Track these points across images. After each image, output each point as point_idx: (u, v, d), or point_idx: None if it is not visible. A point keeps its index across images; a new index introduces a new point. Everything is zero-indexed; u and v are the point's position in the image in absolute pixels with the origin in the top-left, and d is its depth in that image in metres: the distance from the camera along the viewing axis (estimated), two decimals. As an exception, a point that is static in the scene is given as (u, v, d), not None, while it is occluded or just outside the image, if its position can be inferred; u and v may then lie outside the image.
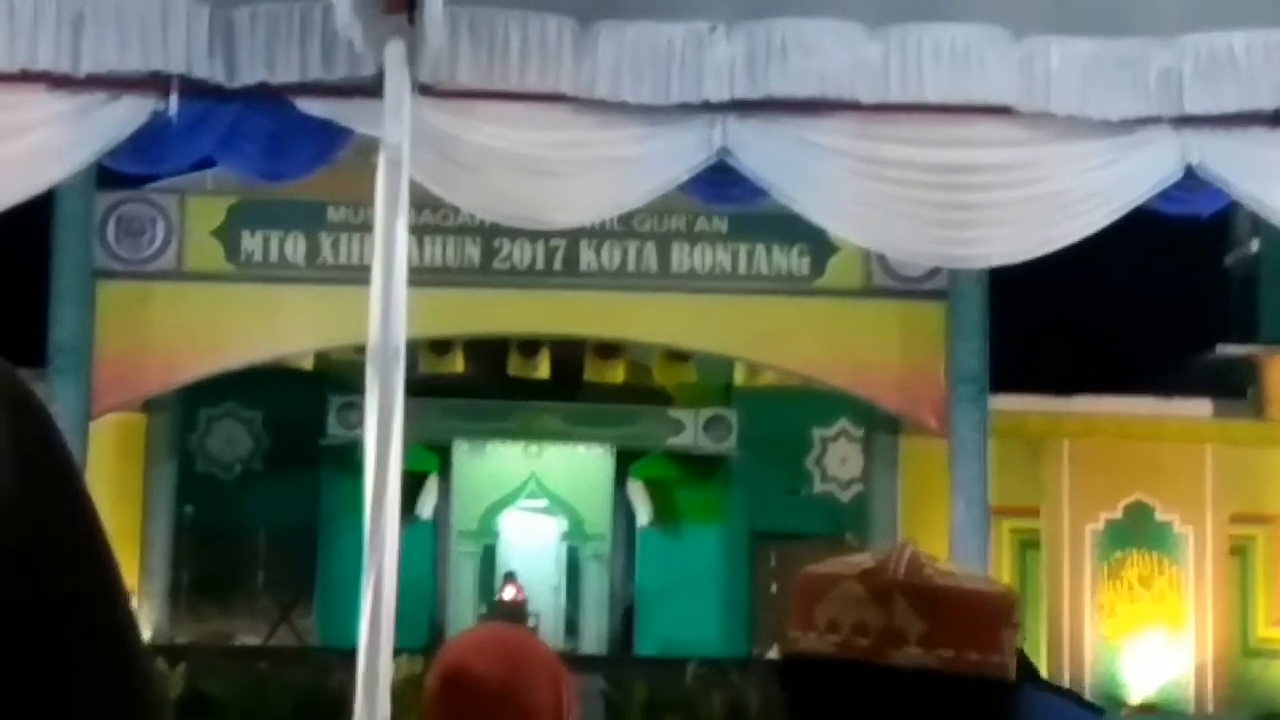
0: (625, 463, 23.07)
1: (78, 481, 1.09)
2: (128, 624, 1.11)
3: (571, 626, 22.84)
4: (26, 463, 1.04)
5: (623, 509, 23.22)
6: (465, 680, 2.62)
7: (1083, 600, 22.70)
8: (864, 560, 1.52)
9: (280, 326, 19.66)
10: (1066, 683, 22.40)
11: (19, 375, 1.08)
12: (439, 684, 2.64)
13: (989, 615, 1.49)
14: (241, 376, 20.50)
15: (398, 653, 5.66)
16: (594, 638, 22.43)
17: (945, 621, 1.45)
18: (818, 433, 22.40)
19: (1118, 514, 22.71)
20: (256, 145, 11.59)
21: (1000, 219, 10.86)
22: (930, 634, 1.45)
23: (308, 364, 21.71)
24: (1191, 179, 11.11)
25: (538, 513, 23.17)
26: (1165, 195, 11.09)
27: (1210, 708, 22.43)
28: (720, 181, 11.39)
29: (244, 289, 19.89)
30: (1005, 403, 20.63)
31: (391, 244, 7.44)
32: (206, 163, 14.37)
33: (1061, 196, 11.01)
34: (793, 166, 10.87)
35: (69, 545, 1.07)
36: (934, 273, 19.57)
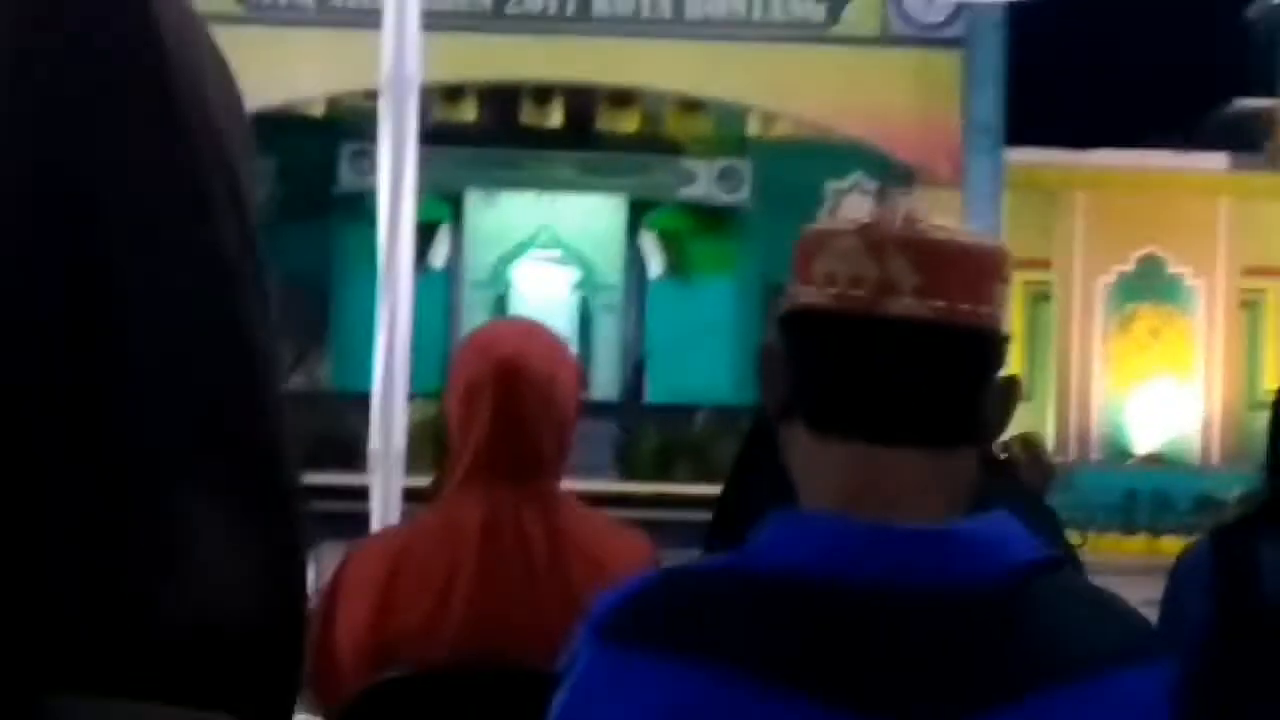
0: (638, 213, 23.05)
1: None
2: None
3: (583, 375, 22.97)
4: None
5: (635, 260, 23.26)
6: (524, 370, 2.72)
7: (1092, 352, 22.83)
8: (861, 216, 1.55)
9: (291, 71, 19.48)
10: (1074, 434, 22.64)
11: None
12: (497, 372, 2.72)
13: (981, 269, 1.52)
14: (252, 124, 20.38)
15: (412, 397, 5.73)
16: (605, 387, 22.60)
17: (938, 273, 1.49)
18: (831, 185, 22.29)
19: (1130, 267, 22.73)
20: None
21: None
22: (924, 285, 1.48)
23: (318, 110, 21.57)
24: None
25: (550, 263, 23.21)
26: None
27: (1215, 459, 22.69)
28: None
29: (254, 31, 19.67)
30: (1020, 155, 20.53)
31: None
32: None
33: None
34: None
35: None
36: (951, 20, 19.34)
